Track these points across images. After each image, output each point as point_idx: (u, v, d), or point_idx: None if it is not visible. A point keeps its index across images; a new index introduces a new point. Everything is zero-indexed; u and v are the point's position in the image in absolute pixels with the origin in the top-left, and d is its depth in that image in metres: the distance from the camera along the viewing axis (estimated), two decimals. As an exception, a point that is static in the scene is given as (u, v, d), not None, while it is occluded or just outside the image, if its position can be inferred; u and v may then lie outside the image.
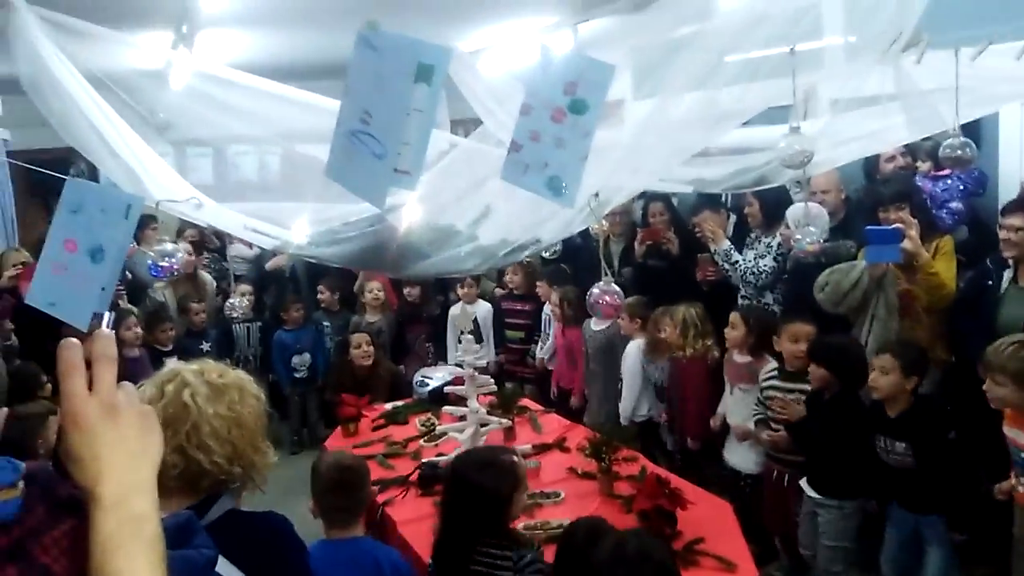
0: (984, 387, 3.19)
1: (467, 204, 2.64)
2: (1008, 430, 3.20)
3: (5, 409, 1.09)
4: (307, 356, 6.14)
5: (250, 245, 6.47)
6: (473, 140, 2.74)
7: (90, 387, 0.95)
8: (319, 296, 6.39)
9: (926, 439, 3.36)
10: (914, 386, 3.44)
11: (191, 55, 5.10)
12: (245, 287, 6.12)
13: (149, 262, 2.29)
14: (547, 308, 5.92)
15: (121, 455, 0.94)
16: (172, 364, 1.92)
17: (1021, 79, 2.69)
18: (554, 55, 1.75)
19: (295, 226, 2.59)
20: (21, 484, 1.08)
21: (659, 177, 2.69)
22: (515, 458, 2.82)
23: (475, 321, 6.22)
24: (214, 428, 1.76)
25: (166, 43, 5.31)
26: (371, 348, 5.44)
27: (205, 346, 5.90)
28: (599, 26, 5.82)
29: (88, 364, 0.97)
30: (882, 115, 2.94)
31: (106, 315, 1.07)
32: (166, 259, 2.21)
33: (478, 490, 2.56)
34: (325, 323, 6.35)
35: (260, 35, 5.75)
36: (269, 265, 6.60)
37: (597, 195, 2.08)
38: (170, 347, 5.63)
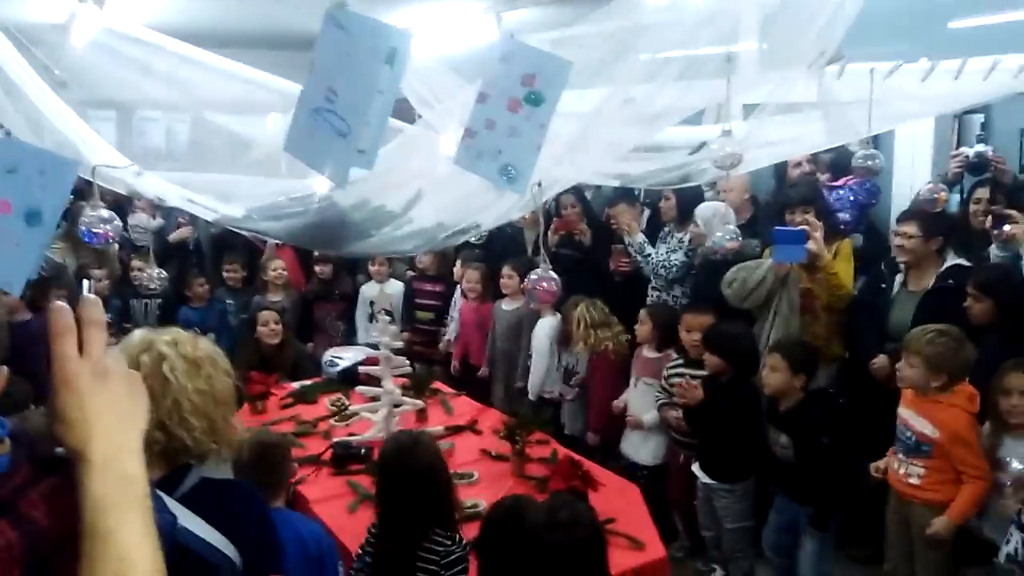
0: (897, 365, 3.43)
1: (398, 187, 2.65)
2: (902, 410, 3.43)
3: (4, 367, 1.07)
4: (211, 336, 5.96)
5: (153, 215, 6.25)
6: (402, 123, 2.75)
7: (80, 351, 0.95)
8: (226, 273, 6.20)
9: (805, 436, 3.56)
10: (803, 384, 3.64)
11: (99, 11, 4.89)
12: (143, 260, 5.87)
13: (83, 228, 2.21)
14: (457, 291, 5.98)
15: (110, 417, 0.95)
16: (141, 332, 1.86)
17: (926, 99, 2.89)
18: (514, 47, 1.79)
19: (232, 199, 2.54)
20: (8, 441, 1.07)
21: (593, 171, 2.76)
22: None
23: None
24: (194, 404, 1.75)
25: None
26: (279, 326, 5.33)
27: (92, 276, 5.63)
28: (524, 16, 5.87)
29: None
30: (801, 122, 3.10)
31: (86, 281, 1.06)
32: (102, 225, 2.14)
33: (424, 476, 2.57)
34: (228, 301, 6.17)
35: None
36: (173, 237, 6.38)
37: (540, 184, 2.14)
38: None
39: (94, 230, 2.17)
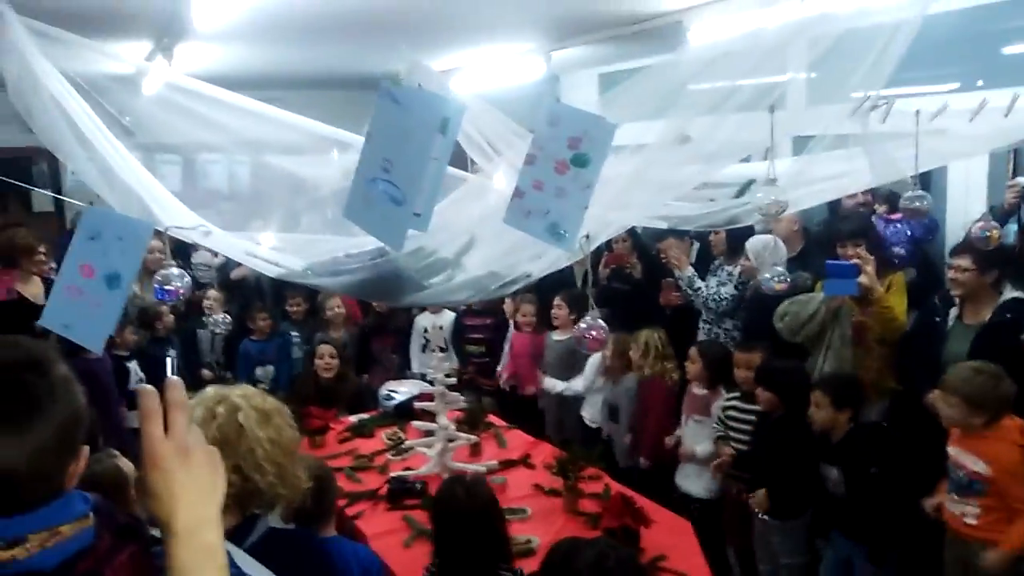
0: (938, 405, 3.41)
1: (452, 235, 2.74)
2: (951, 449, 3.40)
3: (87, 447, 1.18)
4: (271, 368, 6.13)
5: (215, 254, 6.47)
6: (459, 171, 2.85)
7: (165, 430, 1.06)
8: (289, 307, 6.39)
9: (855, 468, 3.55)
10: (848, 417, 3.64)
11: (167, 64, 5.14)
12: (215, 293, 6.09)
13: (156, 286, 2.35)
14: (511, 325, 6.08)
15: (193, 492, 1.05)
16: (213, 388, 1.99)
17: (972, 138, 2.90)
18: (561, 111, 1.88)
19: (291, 252, 2.67)
20: (91, 514, 1.18)
21: (642, 214, 2.82)
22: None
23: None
24: (266, 451, 1.86)
25: (144, 52, 5.35)
26: (335, 360, 5.47)
27: (171, 352, 5.88)
28: (571, 54, 5.99)
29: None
30: (847, 159, 3.12)
31: (169, 359, 1.17)
32: (173, 283, 2.27)
33: (480, 515, 2.66)
34: (293, 333, 6.35)
35: (240, 48, 5.78)
36: (234, 274, 6.59)
37: (588, 236, 2.21)
38: (128, 352, 5.57)
39: (167, 288, 2.30)
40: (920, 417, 3.96)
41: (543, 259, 2.46)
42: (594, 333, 2.36)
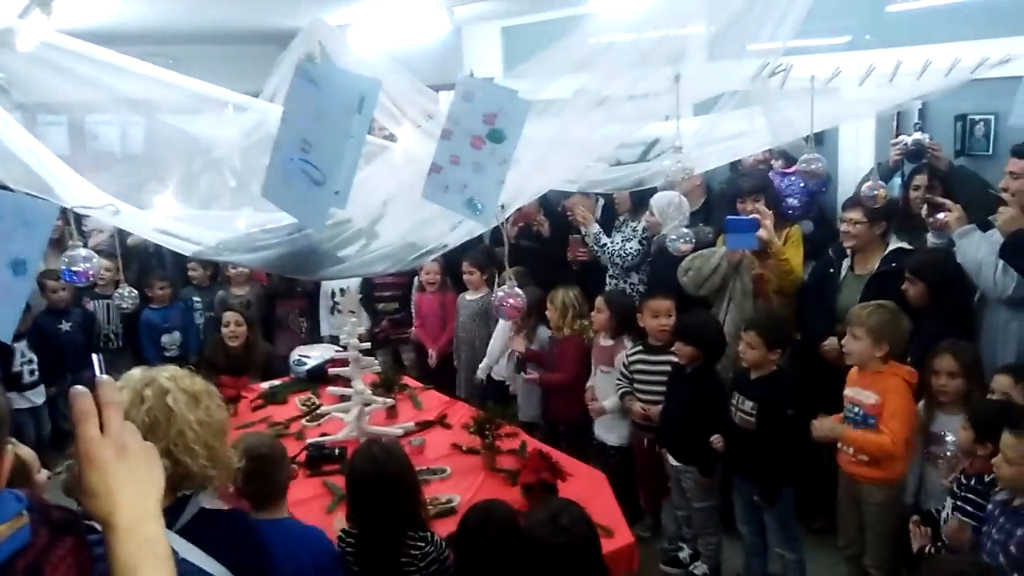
0: (843, 342, 3.64)
1: (365, 204, 2.72)
2: (849, 389, 3.64)
3: (11, 447, 1.15)
4: (176, 335, 6.00)
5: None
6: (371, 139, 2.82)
7: (102, 430, 1.05)
8: (190, 273, 6.22)
9: (772, 406, 3.72)
10: (778, 358, 3.81)
11: (46, 19, 4.83)
12: (105, 262, 5.85)
13: (63, 267, 2.26)
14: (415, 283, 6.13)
15: (132, 488, 1.06)
16: (140, 370, 1.95)
17: (861, 101, 3.05)
18: (475, 86, 1.89)
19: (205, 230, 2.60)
20: (26, 513, 1.17)
21: (561, 178, 2.86)
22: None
23: (342, 291, 6.28)
24: (196, 433, 1.85)
25: (19, 5, 5.01)
26: (241, 327, 5.37)
27: (65, 326, 5.66)
28: (474, 8, 5.94)
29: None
30: (748, 119, 3.23)
31: (95, 358, 1.16)
32: (81, 264, 2.19)
33: (396, 484, 2.69)
34: (195, 298, 6.20)
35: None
36: (131, 240, 6.33)
37: (503, 206, 2.24)
38: (19, 334, 5.35)
39: (75, 269, 2.22)
40: (816, 365, 4.21)
41: (459, 229, 2.48)
42: (511, 301, 2.41)
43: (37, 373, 5.52)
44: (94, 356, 1.17)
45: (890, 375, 3.51)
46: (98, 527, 1.06)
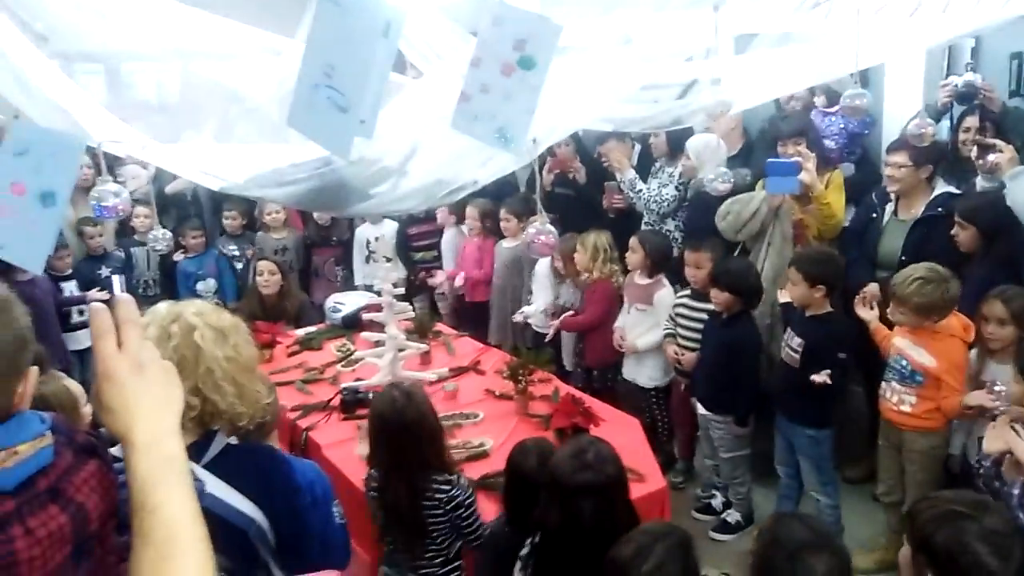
0: (888, 311, 3.52)
1: (395, 142, 2.68)
2: (899, 340, 3.54)
3: (35, 368, 1.15)
4: (212, 282, 6.04)
5: (145, 165, 6.25)
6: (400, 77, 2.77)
7: (119, 347, 1.04)
8: (226, 220, 6.26)
9: (817, 345, 3.64)
10: (823, 294, 3.68)
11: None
12: (143, 210, 5.90)
13: (93, 202, 2.25)
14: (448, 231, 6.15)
15: (149, 405, 1.05)
16: (166, 304, 1.93)
17: (913, 33, 2.91)
18: (505, 11, 1.82)
19: (232, 165, 2.58)
20: (50, 434, 1.17)
21: (589, 117, 2.79)
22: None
23: (377, 239, 6.30)
24: (224, 370, 1.83)
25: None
26: (275, 276, 5.39)
27: (105, 271, 5.72)
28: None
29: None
30: (789, 56, 3.11)
31: (116, 279, 1.14)
32: (110, 199, 2.18)
33: (413, 427, 2.67)
34: (231, 246, 6.24)
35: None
36: (169, 188, 6.38)
37: (535, 140, 2.18)
38: (68, 272, 5.45)
39: (105, 204, 2.22)
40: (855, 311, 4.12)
41: (490, 165, 2.43)
42: (543, 238, 2.36)
43: (86, 313, 5.58)
44: (115, 277, 1.15)
45: (946, 336, 3.40)
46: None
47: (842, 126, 4.75)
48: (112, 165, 6.06)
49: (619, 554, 1.94)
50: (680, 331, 4.35)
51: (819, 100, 4.83)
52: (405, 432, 2.67)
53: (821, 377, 3.54)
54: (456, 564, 2.81)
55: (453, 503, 2.69)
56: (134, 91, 5.01)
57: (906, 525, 2.04)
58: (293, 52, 3.46)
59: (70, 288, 5.46)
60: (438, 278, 6.17)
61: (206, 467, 1.81)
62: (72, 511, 1.16)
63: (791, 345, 3.74)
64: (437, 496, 2.68)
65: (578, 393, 3.92)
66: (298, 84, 1.74)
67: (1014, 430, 2.66)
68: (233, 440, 1.97)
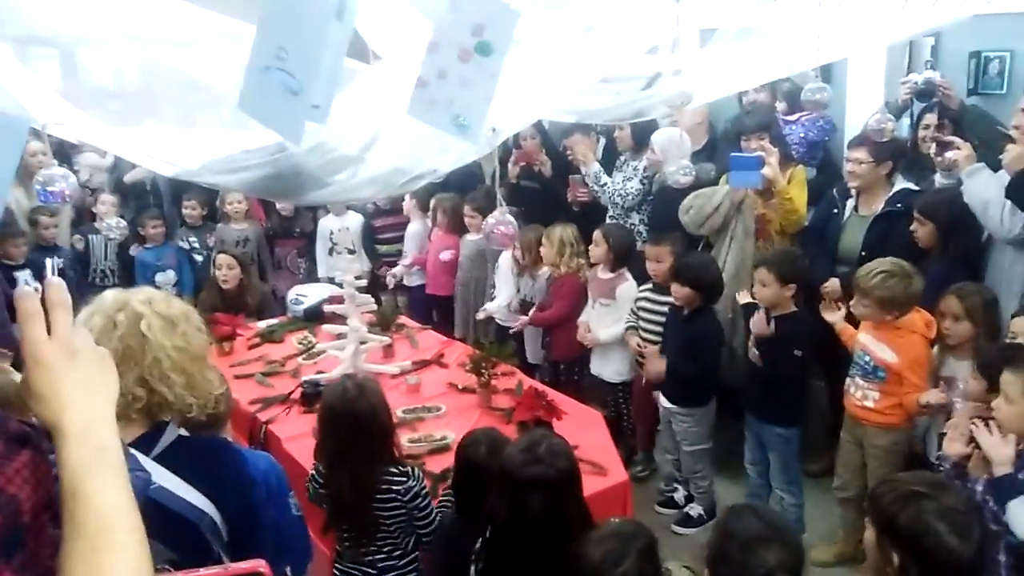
0: (851, 303, 3.55)
1: (354, 131, 2.64)
2: (862, 335, 3.57)
3: None
4: (171, 274, 5.93)
5: (103, 154, 6.13)
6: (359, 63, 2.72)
7: (49, 332, 1.00)
8: (185, 210, 6.15)
9: (777, 343, 3.69)
10: (793, 293, 3.71)
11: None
12: (108, 198, 5.79)
13: (38, 188, 2.19)
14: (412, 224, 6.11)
15: (81, 392, 1.01)
16: (113, 292, 1.88)
17: (874, 28, 2.93)
18: (464, -5, 1.79)
19: (185, 150, 2.52)
20: None
21: (550, 108, 2.76)
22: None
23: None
24: (173, 360, 1.78)
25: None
26: (234, 270, 5.29)
27: (58, 261, 5.59)
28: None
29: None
30: (751, 50, 3.12)
31: (49, 262, 1.09)
32: (56, 184, 2.12)
33: (364, 420, 2.62)
34: (191, 238, 6.14)
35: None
36: (128, 177, 6.26)
37: (494, 130, 2.16)
38: (21, 261, 5.31)
39: (50, 189, 2.15)
40: (818, 306, 4.15)
41: (450, 153, 2.40)
42: (502, 228, 2.34)
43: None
44: (47, 260, 1.11)
45: (908, 332, 3.43)
46: None
47: (802, 135, 4.80)
48: (70, 153, 5.96)
49: (589, 555, 1.92)
50: (642, 324, 4.36)
51: (780, 106, 4.86)
52: (354, 424, 2.61)
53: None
54: (413, 556, 2.78)
55: (411, 494, 2.66)
56: (90, 77, 4.91)
57: (869, 509, 2.07)
58: (252, 37, 3.42)
59: (24, 277, 5.33)
60: (397, 269, 6.12)
61: (156, 459, 1.77)
62: (3, 502, 1.11)
63: (752, 345, 3.76)
64: (394, 489, 2.64)
65: (541, 386, 3.91)
66: (249, 66, 1.70)
67: (978, 426, 2.70)
68: (184, 432, 1.92)
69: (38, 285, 5.10)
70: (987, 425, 2.68)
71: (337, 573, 2.83)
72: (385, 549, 2.73)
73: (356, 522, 2.70)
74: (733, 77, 3.17)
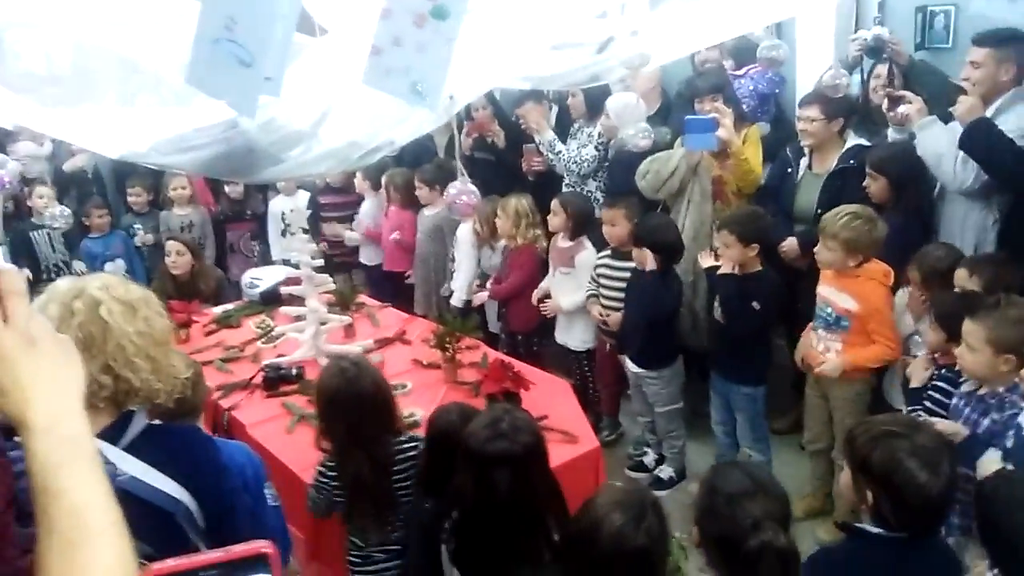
0: (815, 249, 3.55)
1: (304, 103, 2.56)
2: (822, 288, 3.59)
3: None
4: (120, 262, 5.78)
5: (41, 143, 5.93)
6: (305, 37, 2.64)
7: (5, 321, 0.94)
8: (130, 198, 5.98)
9: (734, 299, 3.72)
10: (757, 252, 3.72)
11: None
12: (44, 190, 5.59)
13: (-26, 176, 2.07)
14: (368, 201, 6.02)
15: (45, 382, 0.95)
16: (67, 280, 1.80)
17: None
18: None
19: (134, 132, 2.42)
20: None
21: (504, 74, 2.71)
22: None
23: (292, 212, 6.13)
24: (136, 346, 1.71)
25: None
26: (184, 256, 5.16)
27: (3, 250, 5.41)
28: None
29: None
30: (705, 9, 3.09)
31: (0, 249, 1.03)
32: (-5, 170, 2.01)
33: (369, 396, 2.60)
34: (136, 225, 5.97)
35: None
36: (67, 166, 6.07)
37: (452, 97, 2.10)
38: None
39: (-12, 176, 2.05)
40: (775, 265, 4.18)
41: (406, 124, 2.34)
42: (464, 198, 2.29)
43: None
44: (-1, 247, 1.04)
45: (866, 280, 3.45)
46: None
47: (752, 88, 4.81)
48: (3, 142, 5.74)
49: (607, 522, 1.86)
50: (603, 291, 4.35)
51: (727, 63, 4.86)
52: (361, 403, 2.58)
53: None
54: None
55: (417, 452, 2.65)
56: (20, 62, 4.70)
57: (844, 450, 2.14)
58: (192, 15, 3.30)
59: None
60: (350, 234, 6.03)
61: (126, 449, 1.71)
62: None
63: (719, 305, 3.79)
64: (408, 456, 2.63)
65: (507, 358, 3.88)
66: (197, 39, 1.62)
67: None
68: (155, 421, 1.87)
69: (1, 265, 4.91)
70: None
71: (357, 560, 2.79)
72: (399, 524, 2.70)
73: (377, 501, 2.65)
74: (688, 37, 3.14)
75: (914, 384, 3.12)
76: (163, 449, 1.73)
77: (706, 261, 3.98)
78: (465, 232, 5.17)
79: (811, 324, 3.69)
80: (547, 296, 4.70)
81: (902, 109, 3.71)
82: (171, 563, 0.93)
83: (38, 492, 0.91)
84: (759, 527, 1.77)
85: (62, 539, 0.90)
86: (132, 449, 1.72)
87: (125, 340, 1.73)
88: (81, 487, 0.93)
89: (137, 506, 1.57)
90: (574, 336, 4.63)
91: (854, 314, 3.46)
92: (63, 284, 1.78)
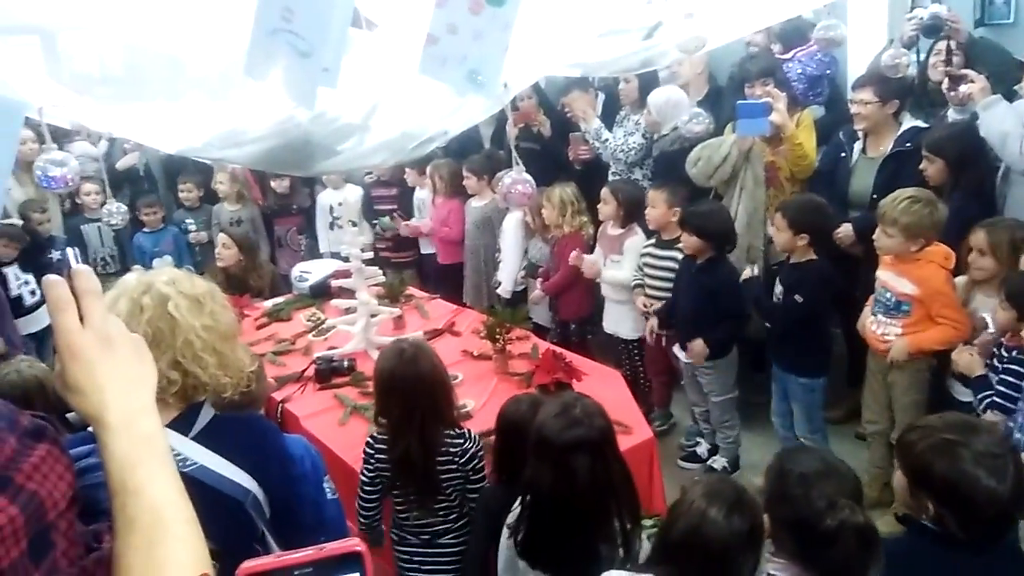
0: (874, 236, 3.46)
1: (354, 97, 2.56)
2: (882, 273, 3.51)
3: None
4: (168, 258, 5.87)
5: (95, 143, 6.03)
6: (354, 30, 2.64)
7: (82, 321, 0.95)
8: (182, 193, 6.07)
9: (790, 291, 3.67)
10: (807, 242, 3.65)
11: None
12: (92, 186, 5.69)
13: (39, 173, 2.11)
14: (420, 192, 6.00)
15: (121, 382, 0.96)
16: (136, 275, 1.82)
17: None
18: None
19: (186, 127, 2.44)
20: None
21: (557, 61, 2.68)
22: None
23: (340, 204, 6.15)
24: (203, 340, 1.73)
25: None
26: (229, 250, 5.21)
27: (55, 255, 5.51)
28: None
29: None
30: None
31: (70, 251, 1.03)
32: (58, 168, 2.04)
33: (427, 379, 2.59)
34: (188, 220, 6.06)
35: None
36: (120, 164, 6.17)
37: (506, 85, 2.08)
38: (11, 258, 5.20)
39: (51, 175, 2.08)
40: (830, 252, 4.09)
41: (459, 113, 2.32)
42: (519, 187, 2.27)
43: (38, 294, 5.38)
44: (69, 250, 1.05)
45: (926, 263, 3.36)
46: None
47: (800, 71, 4.70)
48: (61, 144, 5.85)
49: (719, 525, 1.78)
50: (647, 280, 4.31)
51: (775, 47, 4.76)
52: (419, 383, 2.58)
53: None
54: (466, 520, 2.75)
55: (467, 455, 2.63)
56: (74, 63, 4.78)
57: (897, 454, 2.05)
58: (239, 12, 3.32)
59: (14, 272, 5.25)
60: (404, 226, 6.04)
61: (195, 439, 1.72)
62: (23, 501, 1.06)
63: (777, 294, 3.74)
64: (451, 451, 2.62)
65: (558, 348, 3.86)
66: (255, 30, 1.62)
67: None
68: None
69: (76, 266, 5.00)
70: None
71: (395, 537, 2.81)
72: (440, 512, 2.71)
73: (421, 482, 2.65)
74: (741, 19, 3.07)
75: (977, 372, 3.03)
76: (231, 438, 1.75)
77: (745, 274, 3.91)
78: (511, 223, 5.15)
79: (868, 304, 3.60)
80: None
81: (964, 88, 3.59)
82: (264, 561, 0.93)
83: (116, 490, 0.92)
84: (835, 506, 1.73)
85: (141, 536, 0.90)
86: (200, 439, 1.74)
87: (192, 335, 1.74)
88: (158, 485, 0.93)
89: (206, 495, 1.58)
90: (625, 325, 4.59)
91: (914, 298, 3.37)
92: (131, 279, 1.80)
